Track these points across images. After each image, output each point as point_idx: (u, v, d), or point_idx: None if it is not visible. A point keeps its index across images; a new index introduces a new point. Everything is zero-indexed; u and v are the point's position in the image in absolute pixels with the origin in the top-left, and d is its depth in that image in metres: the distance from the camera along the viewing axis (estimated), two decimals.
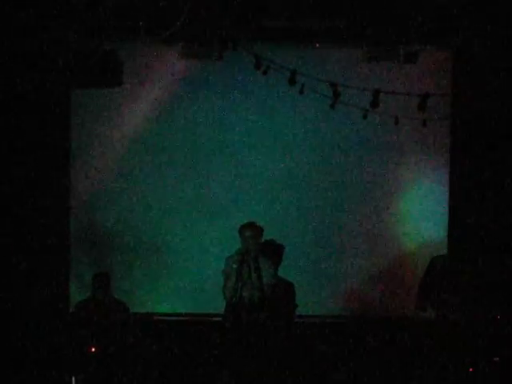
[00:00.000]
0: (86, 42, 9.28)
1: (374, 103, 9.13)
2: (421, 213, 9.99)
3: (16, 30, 9.18)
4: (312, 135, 9.97)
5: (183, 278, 9.91)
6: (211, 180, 10.00)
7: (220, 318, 8.40)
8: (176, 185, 10.01)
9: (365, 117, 9.29)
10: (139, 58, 9.83)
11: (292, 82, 9.13)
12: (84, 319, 8.57)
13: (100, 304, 8.64)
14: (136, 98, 9.93)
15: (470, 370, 8.44)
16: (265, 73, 9.22)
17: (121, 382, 8.38)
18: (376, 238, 9.98)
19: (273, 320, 8.15)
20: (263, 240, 8.37)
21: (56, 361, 8.56)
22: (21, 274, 9.42)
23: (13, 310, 9.29)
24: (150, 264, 9.96)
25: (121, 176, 10.00)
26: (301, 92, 9.21)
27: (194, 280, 9.86)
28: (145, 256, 9.96)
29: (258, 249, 8.23)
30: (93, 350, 8.37)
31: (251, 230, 8.25)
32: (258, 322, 8.08)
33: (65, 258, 9.87)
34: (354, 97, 9.25)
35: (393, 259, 9.98)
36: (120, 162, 10.01)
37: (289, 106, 9.84)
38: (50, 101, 9.54)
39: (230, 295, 8.14)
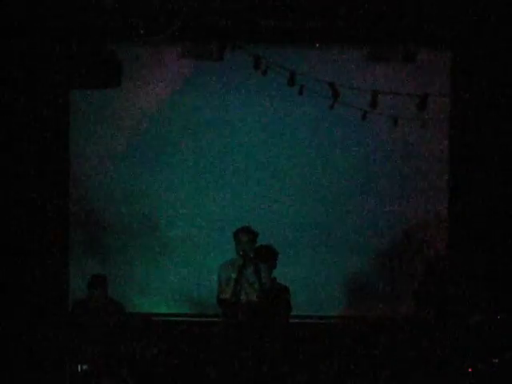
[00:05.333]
0: (85, 41, 9.29)
1: (373, 103, 9.14)
2: (421, 213, 9.99)
3: (16, 30, 9.21)
4: (311, 135, 9.97)
5: (182, 278, 9.93)
6: (210, 179, 10.00)
7: (218, 319, 8.42)
8: (175, 184, 10.02)
9: (364, 117, 9.31)
10: (139, 58, 9.84)
11: (291, 83, 9.14)
12: (81, 319, 8.55)
13: (97, 304, 8.61)
14: (136, 98, 9.94)
15: (470, 370, 8.44)
16: (264, 73, 9.22)
17: (120, 382, 8.39)
18: (375, 238, 9.99)
19: (269, 322, 8.16)
20: (259, 244, 8.38)
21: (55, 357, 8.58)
22: (20, 267, 9.47)
23: (12, 305, 9.34)
24: (149, 265, 9.98)
25: (120, 175, 10.01)
26: (300, 92, 9.23)
27: (192, 280, 9.88)
28: (144, 256, 9.98)
29: (255, 253, 8.24)
30: (92, 350, 8.39)
31: (247, 234, 8.23)
32: (255, 323, 8.07)
33: (64, 253, 9.93)
34: (354, 97, 9.25)
35: (392, 259, 10.00)
36: (119, 161, 10.01)
37: (288, 106, 9.84)
38: (50, 101, 9.56)
39: (229, 299, 8.10)
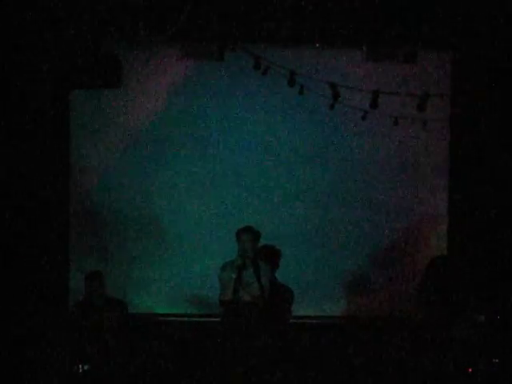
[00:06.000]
0: (85, 41, 9.29)
1: (373, 104, 9.14)
2: (421, 213, 9.99)
3: (16, 30, 9.20)
4: (311, 135, 9.98)
5: (183, 278, 9.93)
6: (211, 179, 10.00)
7: (218, 319, 8.42)
8: (176, 184, 10.02)
9: (364, 118, 9.32)
10: (139, 58, 9.84)
11: (291, 83, 9.15)
12: (82, 320, 8.53)
13: (96, 304, 8.57)
14: (136, 98, 9.94)
15: (469, 370, 8.44)
16: (264, 73, 9.23)
17: (119, 382, 8.40)
18: (374, 237, 9.99)
19: (268, 323, 8.16)
20: (261, 244, 8.36)
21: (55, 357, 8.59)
22: (20, 263, 9.48)
23: (12, 304, 9.36)
24: (150, 264, 9.98)
25: (121, 175, 10.01)
26: (300, 92, 9.25)
27: (193, 280, 9.88)
28: (144, 255, 9.99)
29: (256, 253, 8.22)
30: (92, 350, 8.40)
31: (248, 234, 8.21)
32: (254, 324, 8.08)
33: (64, 252, 9.95)
34: (354, 97, 9.26)
35: (391, 259, 10.00)
36: (120, 161, 10.01)
37: (288, 106, 9.84)
38: (50, 101, 9.56)
39: (229, 300, 8.10)
